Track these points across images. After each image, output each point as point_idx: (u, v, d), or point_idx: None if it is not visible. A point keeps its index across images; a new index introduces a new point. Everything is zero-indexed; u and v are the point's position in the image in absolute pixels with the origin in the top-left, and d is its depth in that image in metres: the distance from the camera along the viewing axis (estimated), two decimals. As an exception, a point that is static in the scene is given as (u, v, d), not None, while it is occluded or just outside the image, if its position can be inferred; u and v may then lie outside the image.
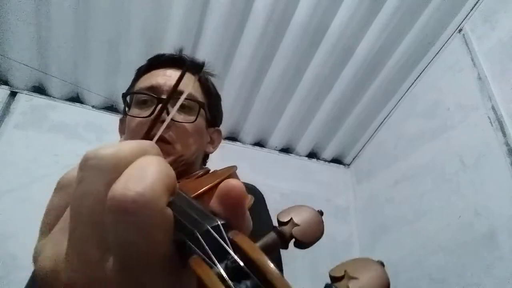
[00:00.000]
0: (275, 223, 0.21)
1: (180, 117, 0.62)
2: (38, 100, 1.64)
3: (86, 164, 0.19)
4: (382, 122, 1.81)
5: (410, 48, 1.52)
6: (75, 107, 1.69)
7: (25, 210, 1.39)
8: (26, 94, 1.64)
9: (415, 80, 1.63)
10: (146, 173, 0.18)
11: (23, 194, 1.39)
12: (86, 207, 0.18)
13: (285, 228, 0.19)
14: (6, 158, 1.46)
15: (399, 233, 1.50)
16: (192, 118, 0.62)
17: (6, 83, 1.62)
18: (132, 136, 0.61)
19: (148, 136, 0.57)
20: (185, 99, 0.61)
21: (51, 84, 1.63)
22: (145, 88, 0.64)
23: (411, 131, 1.59)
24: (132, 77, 0.75)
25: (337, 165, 2.02)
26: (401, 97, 1.70)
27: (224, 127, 1.91)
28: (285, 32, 1.47)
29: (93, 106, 1.71)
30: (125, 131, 0.65)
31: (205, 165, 0.75)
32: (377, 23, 1.45)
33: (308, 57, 1.57)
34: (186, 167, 0.62)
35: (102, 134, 1.60)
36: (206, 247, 0.17)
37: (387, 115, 1.78)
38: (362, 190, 1.87)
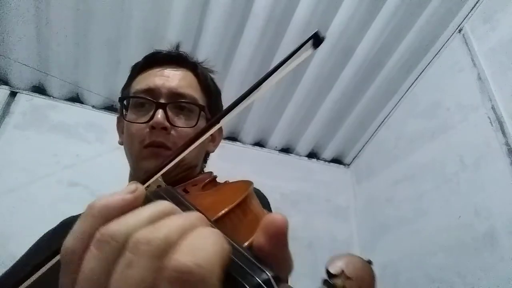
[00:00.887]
0: (323, 273, 0.20)
1: (180, 122, 0.60)
2: (38, 100, 1.64)
3: (136, 247, 0.18)
4: (382, 122, 1.81)
5: (410, 48, 1.52)
6: (75, 107, 1.69)
7: (25, 210, 1.40)
8: (26, 94, 1.64)
9: (415, 80, 1.63)
10: (206, 246, 0.18)
11: (23, 194, 1.39)
12: None
13: (338, 282, 0.18)
14: (6, 158, 1.46)
15: (399, 233, 1.50)
16: (193, 122, 0.60)
17: (6, 83, 1.62)
18: (132, 142, 0.60)
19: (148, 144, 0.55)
20: (185, 102, 0.61)
21: (51, 84, 1.63)
22: (142, 90, 0.61)
23: (411, 131, 1.59)
24: (131, 77, 0.72)
25: (337, 165, 2.02)
26: (401, 97, 1.70)
27: (224, 127, 1.91)
28: (285, 32, 1.47)
29: (93, 106, 1.71)
30: (124, 133, 0.63)
31: (206, 163, 0.74)
32: (377, 23, 1.45)
33: (308, 57, 1.56)
34: (188, 171, 0.61)
35: (102, 134, 1.60)
36: None
37: (387, 115, 1.78)
38: (362, 190, 1.87)
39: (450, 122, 1.36)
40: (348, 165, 2.03)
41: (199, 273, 0.17)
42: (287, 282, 0.17)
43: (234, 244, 0.20)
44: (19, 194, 1.39)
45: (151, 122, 0.57)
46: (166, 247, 0.18)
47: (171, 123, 0.58)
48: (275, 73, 0.37)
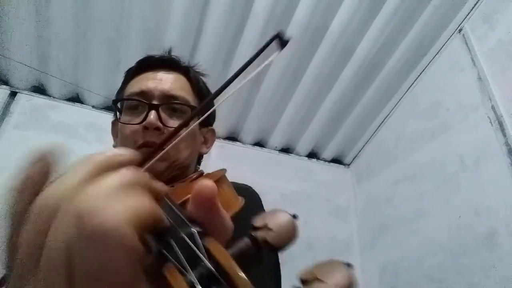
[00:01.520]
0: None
1: (173, 122, 0.61)
2: (38, 100, 1.64)
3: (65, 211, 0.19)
4: (382, 122, 1.81)
5: (410, 48, 1.52)
6: (75, 107, 1.69)
7: (25, 210, 1.40)
8: (26, 94, 1.64)
9: (415, 80, 1.63)
10: (118, 203, 0.19)
11: (23, 194, 1.39)
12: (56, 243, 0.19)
13: (259, 234, 0.19)
14: (6, 158, 1.46)
15: (399, 233, 1.50)
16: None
17: (6, 83, 1.62)
18: (126, 143, 0.60)
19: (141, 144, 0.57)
20: (177, 103, 0.62)
21: (51, 84, 1.63)
22: (135, 93, 0.63)
23: (411, 131, 1.59)
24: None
25: (337, 165, 2.02)
26: (401, 97, 1.70)
27: (224, 127, 1.92)
28: (285, 32, 1.47)
29: (93, 106, 1.71)
30: (118, 135, 0.65)
31: (199, 164, 0.74)
32: (377, 23, 1.45)
33: (308, 57, 1.57)
34: (181, 171, 0.62)
35: (102, 134, 1.60)
36: (180, 255, 0.17)
37: (387, 115, 1.78)
38: (362, 190, 1.87)
39: (450, 122, 1.36)
40: (348, 165, 2.03)
41: (103, 228, 0.17)
42: (227, 248, 0.18)
43: (169, 203, 0.21)
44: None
45: (144, 123, 0.58)
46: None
47: (164, 124, 0.59)
48: (241, 75, 0.40)
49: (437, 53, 1.52)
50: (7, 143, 1.50)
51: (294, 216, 0.21)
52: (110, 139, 0.71)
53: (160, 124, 0.58)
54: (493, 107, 1.19)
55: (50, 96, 1.66)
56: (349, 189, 1.94)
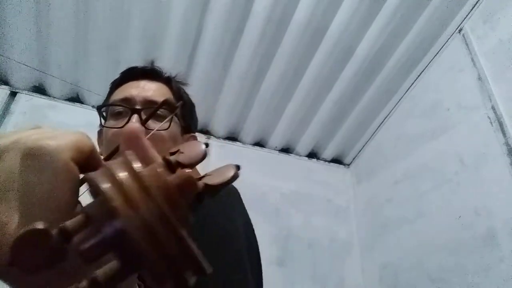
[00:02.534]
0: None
1: (155, 126, 0.63)
2: (38, 100, 1.64)
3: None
4: (382, 122, 1.81)
5: (410, 48, 1.52)
6: (75, 107, 1.69)
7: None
8: (26, 94, 1.64)
9: (415, 80, 1.63)
10: (56, 133, 0.24)
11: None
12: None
13: (172, 157, 0.22)
14: (6, 158, 1.46)
15: (399, 233, 1.50)
16: (166, 125, 0.64)
17: (6, 83, 1.62)
18: (110, 146, 0.63)
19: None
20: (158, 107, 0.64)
21: (51, 84, 1.63)
22: (119, 100, 0.66)
23: (411, 131, 1.59)
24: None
25: (337, 165, 2.02)
26: (401, 97, 1.70)
27: (224, 127, 1.92)
28: (284, 32, 1.47)
29: (93, 106, 1.71)
30: (103, 141, 0.68)
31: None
32: (377, 23, 1.45)
33: (308, 57, 1.57)
34: None
35: (102, 134, 1.60)
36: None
37: (387, 115, 1.78)
38: (362, 190, 1.87)
39: (450, 122, 1.36)
40: (348, 165, 2.03)
41: (43, 148, 0.22)
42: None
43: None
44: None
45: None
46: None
47: (146, 127, 0.61)
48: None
49: (437, 53, 1.52)
50: (7, 143, 1.50)
51: (206, 145, 0.25)
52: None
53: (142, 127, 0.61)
54: (493, 107, 1.19)
55: (50, 96, 1.66)
56: (349, 189, 1.94)
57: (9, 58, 1.51)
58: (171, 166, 0.21)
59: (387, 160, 1.71)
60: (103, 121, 0.68)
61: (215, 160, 1.69)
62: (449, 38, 1.47)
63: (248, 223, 0.67)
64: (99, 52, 1.52)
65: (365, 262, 1.69)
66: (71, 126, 1.62)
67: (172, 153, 0.23)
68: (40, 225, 0.17)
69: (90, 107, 1.71)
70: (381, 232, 1.63)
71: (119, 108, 0.65)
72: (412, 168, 1.52)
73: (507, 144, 1.12)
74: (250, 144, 1.92)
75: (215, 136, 1.85)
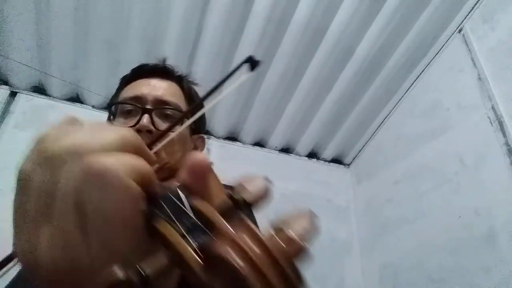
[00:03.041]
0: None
1: (165, 126, 0.63)
2: (38, 100, 1.64)
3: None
4: (382, 122, 1.81)
5: (410, 48, 1.52)
6: (75, 107, 1.69)
7: (25, 210, 1.40)
8: (26, 94, 1.64)
9: (415, 80, 1.63)
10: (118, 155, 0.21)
11: (23, 194, 1.39)
12: (65, 192, 0.20)
13: (237, 195, 0.22)
14: (6, 158, 1.46)
15: (399, 233, 1.50)
16: (177, 128, 0.63)
17: (6, 83, 1.62)
18: None
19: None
20: (169, 109, 0.65)
21: (51, 84, 1.63)
22: (129, 98, 0.65)
23: (411, 131, 1.59)
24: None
25: (337, 165, 2.02)
26: (401, 97, 1.70)
27: (224, 127, 1.92)
28: (285, 32, 1.47)
29: (93, 106, 1.71)
30: None
31: None
32: (377, 23, 1.45)
33: (308, 57, 1.56)
34: (171, 174, 0.63)
35: (102, 134, 1.60)
36: (169, 211, 0.20)
37: (387, 115, 1.78)
38: (362, 190, 1.87)
39: (450, 122, 1.36)
40: (348, 165, 2.03)
41: (106, 172, 0.20)
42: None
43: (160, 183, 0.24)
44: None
45: (137, 126, 0.61)
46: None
47: (156, 127, 0.61)
48: (214, 93, 0.44)
49: (437, 53, 1.52)
50: (7, 143, 1.50)
51: (267, 180, 0.24)
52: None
53: (152, 127, 0.61)
54: (493, 107, 1.19)
55: (50, 96, 1.66)
56: (349, 189, 1.94)
57: (9, 58, 1.51)
58: (235, 202, 0.21)
59: (387, 160, 1.71)
60: (112, 118, 0.67)
61: (215, 160, 1.69)
62: (449, 38, 1.47)
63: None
64: (99, 52, 1.52)
65: (365, 262, 1.69)
66: (71, 126, 1.62)
67: (227, 186, 0.23)
68: (122, 275, 0.17)
69: (90, 107, 1.71)
70: (381, 232, 1.63)
71: (129, 107, 0.65)
72: (412, 168, 1.52)
73: (507, 144, 1.12)
74: (250, 144, 1.92)
75: (215, 136, 1.85)
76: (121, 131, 0.23)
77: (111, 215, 0.19)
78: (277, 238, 0.18)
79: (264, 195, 0.23)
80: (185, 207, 0.20)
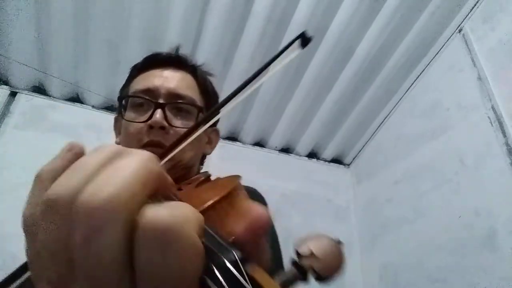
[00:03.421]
0: (290, 252, 0.20)
1: (178, 122, 0.60)
2: (38, 100, 1.64)
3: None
4: (382, 122, 1.81)
5: (410, 48, 1.52)
6: (75, 107, 1.69)
7: (25, 210, 1.39)
8: (26, 94, 1.64)
9: (415, 80, 1.63)
10: (177, 207, 0.17)
11: (23, 194, 1.38)
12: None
13: (306, 262, 0.19)
14: (6, 158, 1.46)
15: (399, 233, 1.50)
16: (190, 123, 0.60)
17: (6, 83, 1.62)
18: (129, 142, 0.59)
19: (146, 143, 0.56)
20: (183, 103, 0.61)
21: (51, 84, 1.63)
22: (141, 90, 0.61)
23: (411, 131, 1.59)
24: (131, 77, 0.72)
25: (337, 165, 2.02)
26: (401, 97, 1.70)
27: (224, 127, 1.91)
28: (285, 32, 1.47)
29: (93, 106, 1.71)
30: (122, 133, 0.63)
31: (202, 164, 0.73)
32: (377, 23, 1.45)
33: (308, 57, 1.57)
34: (185, 171, 0.61)
35: (102, 134, 1.60)
36: (224, 283, 0.16)
37: (387, 115, 1.78)
38: (362, 190, 1.87)
39: (450, 122, 1.36)
40: (348, 165, 2.03)
41: (171, 229, 0.16)
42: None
43: (207, 228, 0.20)
44: (19, 194, 1.38)
45: (149, 122, 0.57)
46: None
47: (169, 123, 0.58)
48: (265, 71, 0.40)
49: (437, 53, 1.52)
50: (7, 143, 1.50)
51: (339, 242, 0.20)
52: (110, 140, 0.70)
53: (165, 124, 0.57)
54: (493, 107, 1.19)
55: (50, 96, 1.66)
56: (349, 189, 1.94)
57: (9, 58, 1.51)
58: (304, 275, 0.18)
59: (387, 160, 1.71)
60: (122, 111, 0.63)
61: (215, 160, 1.69)
62: (449, 38, 1.47)
63: (274, 232, 0.63)
64: (99, 52, 1.52)
65: (365, 262, 1.69)
66: (71, 126, 1.62)
67: (301, 256, 0.19)
68: None
69: (90, 107, 1.71)
70: (381, 232, 1.63)
71: (141, 100, 0.61)
72: (412, 168, 1.52)
73: (507, 144, 1.12)
74: (250, 144, 1.92)
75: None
76: (141, 163, 0.19)
77: (177, 276, 0.16)
78: None
79: (338, 267, 0.19)
80: (243, 277, 0.16)
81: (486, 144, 1.18)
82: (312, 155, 2.00)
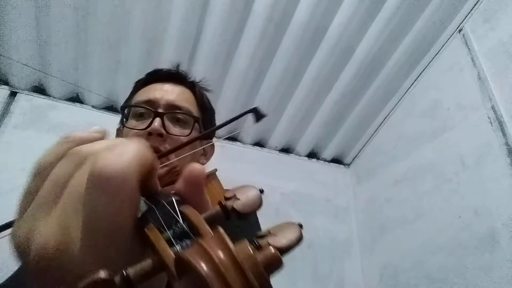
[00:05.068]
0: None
1: (175, 130, 0.65)
2: (38, 100, 1.64)
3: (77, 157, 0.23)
4: (382, 122, 1.81)
5: (410, 48, 1.52)
6: (75, 107, 1.69)
7: (25, 210, 1.39)
8: (26, 94, 1.64)
9: (415, 80, 1.63)
10: (126, 151, 0.21)
11: (23, 194, 1.39)
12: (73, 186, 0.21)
13: (228, 203, 0.22)
14: (6, 158, 1.46)
15: (399, 233, 1.50)
16: (187, 131, 0.66)
17: (6, 83, 1.62)
18: None
19: None
20: (181, 113, 0.67)
21: (51, 84, 1.63)
22: (142, 101, 0.67)
23: (411, 131, 1.59)
24: (132, 77, 0.76)
25: (337, 165, 2.02)
26: (401, 97, 1.70)
27: (224, 127, 1.91)
28: (285, 32, 1.47)
29: (93, 106, 1.71)
30: None
31: None
32: (377, 23, 1.45)
33: (308, 57, 1.57)
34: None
35: (102, 134, 1.60)
36: (160, 217, 0.20)
37: (387, 115, 1.78)
38: (362, 190, 1.87)
39: (450, 122, 1.36)
40: (348, 165, 2.03)
41: (113, 176, 0.19)
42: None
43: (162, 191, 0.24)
44: (19, 194, 1.38)
45: (148, 129, 0.62)
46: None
47: (167, 131, 0.63)
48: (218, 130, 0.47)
49: (437, 53, 1.52)
50: (7, 143, 1.50)
51: (261, 191, 0.24)
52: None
53: (163, 131, 0.62)
54: (493, 107, 1.19)
55: (50, 96, 1.66)
56: (349, 189, 1.94)
57: (9, 58, 1.51)
58: (226, 212, 0.22)
59: (387, 160, 1.71)
60: (124, 120, 0.69)
61: (215, 160, 1.69)
62: (449, 38, 1.47)
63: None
64: (99, 52, 1.52)
65: (365, 262, 1.69)
66: (71, 126, 1.62)
67: (228, 198, 0.23)
68: (104, 275, 0.17)
69: (90, 107, 1.71)
70: (381, 232, 1.63)
71: (142, 110, 0.67)
72: (412, 168, 1.52)
73: (507, 144, 1.12)
74: (250, 144, 1.92)
75: (215, 136, 1.84)
76: (138, 144, 0.23)
77: (106, 218, 0.19)
78: (249, 247, 0.18)
79: (254, 206, 0.23)
80: (177, 214, 0.21)
81: (486, 144, 1.18)
82: (312, 155, 2.00)
